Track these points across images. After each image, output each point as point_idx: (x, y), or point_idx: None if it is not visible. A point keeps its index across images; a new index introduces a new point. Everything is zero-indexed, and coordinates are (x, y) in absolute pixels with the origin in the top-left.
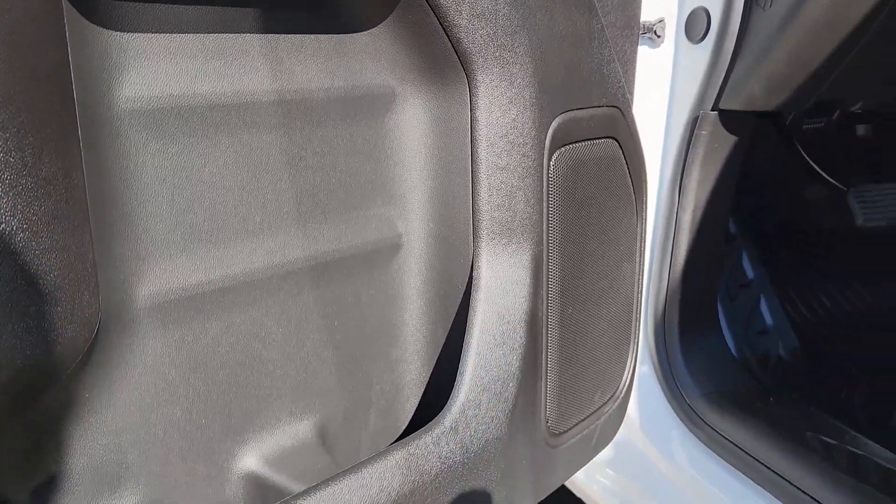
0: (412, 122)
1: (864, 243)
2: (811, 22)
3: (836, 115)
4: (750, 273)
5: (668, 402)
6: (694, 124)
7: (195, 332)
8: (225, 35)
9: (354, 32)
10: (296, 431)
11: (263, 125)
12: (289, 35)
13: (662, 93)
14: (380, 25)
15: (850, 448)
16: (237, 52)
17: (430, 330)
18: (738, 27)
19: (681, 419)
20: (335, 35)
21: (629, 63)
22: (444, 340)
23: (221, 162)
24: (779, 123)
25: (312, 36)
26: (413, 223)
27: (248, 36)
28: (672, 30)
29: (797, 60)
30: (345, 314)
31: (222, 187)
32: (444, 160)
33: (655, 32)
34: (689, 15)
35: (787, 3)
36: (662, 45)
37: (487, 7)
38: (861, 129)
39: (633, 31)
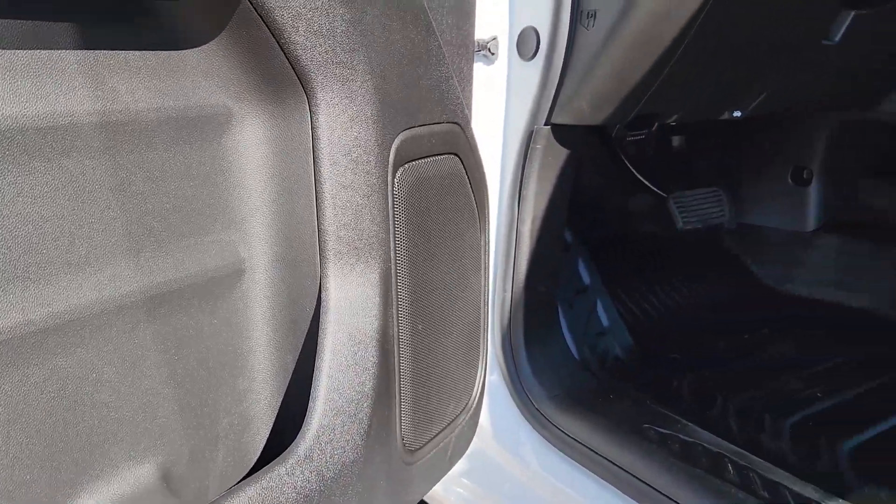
0: (250, 142)
1: (683, 245)
2: (629, 41)
3: (654, 127)
4: (586, 279)
5: (517, 407)
6: (529, 138)
7: (14, 380)
8: (37, 51)
9: (185, 49)
10: (136, 477)
11: (85, 149)
12: (111, 52)
13: (499, 108)
14: (212, 42)
15: (682, 437)
16: (52, 69)
17: (278, 356)
18: (565, 46)
19: (530, 423)
20: (164, 52)
21: (466, 80)
22: (293, 366)
23: (38, 190)
24: (605, 136)
25: (138, 53)
26: (256, 247)
27: (63, 52)
28: (505, 48)
29: (619, 77)
30: (186, 347)
31: (40, 218)
32: (287, 180)
33: (489, 50)
34: (520, 34)
35: (608, 23)
36: (496, 62)
37: (325, 25)
38: (676, 140)
39: (469, 50)
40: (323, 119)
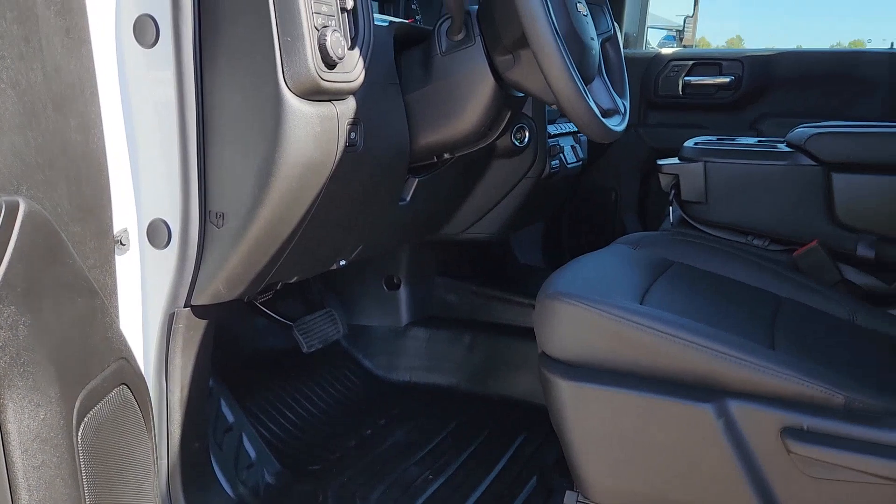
0: None
1: (312, 359)
2: (255, 239)
3: (279, 286)
4: (230, 417)
5: None
6: (171, 320)
7: None
8: None
9: None
10: None
11: None
12: None
13: (136, 296)
14: None
15: None
16: None
17: None
18: (197, 238)
19: None
20: None
21: (111, 293)
22: None
23: None
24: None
25: None
26: None
27: None
28: (136, 238)
29: (249, 264)
30: None
31: None
32: None
33: (121, 242)
34: (151, 224)
35: (236, 224)
36: (129, 252)
37: (8, 337)
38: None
39: (111, 265)
40: (11, 415)
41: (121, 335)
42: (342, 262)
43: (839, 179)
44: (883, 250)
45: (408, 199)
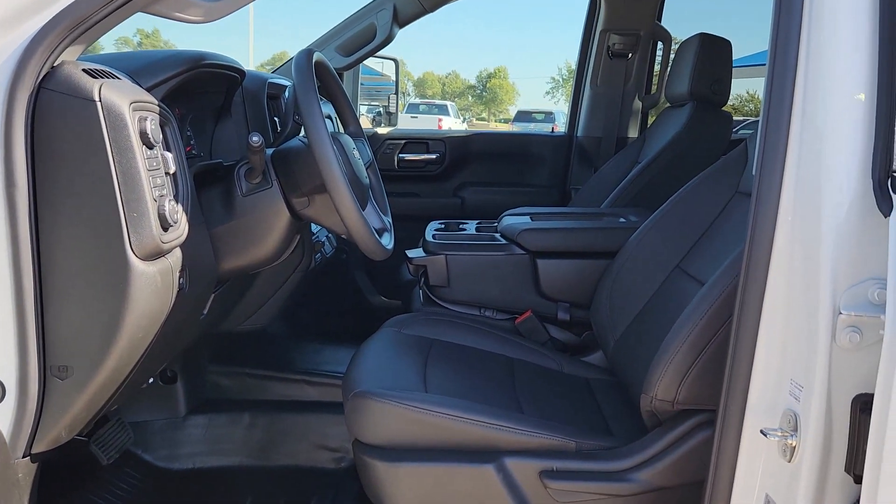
0: None
1: (94, 470)
2: (100, 385)
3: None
4: None
5: None
6: (10, 471)
7: None
8: None
9: None
10: None
11: None
12: None
13: None
14: None
15: None
16: None
17: None
18: (37, 393)
19: None
20: None
21: None
22: None
23: None
24: None
25: None
26: None
27: None
28: None
29: (91, 407)
30: None
31: None
32: None
33: None
34: None
35: (82, 375)
36: None
37: None
38: None
39: None
40: None
41: None
42: (151, 381)
43: (542, 264)
44: (574, 314)
45: (206, 313)
